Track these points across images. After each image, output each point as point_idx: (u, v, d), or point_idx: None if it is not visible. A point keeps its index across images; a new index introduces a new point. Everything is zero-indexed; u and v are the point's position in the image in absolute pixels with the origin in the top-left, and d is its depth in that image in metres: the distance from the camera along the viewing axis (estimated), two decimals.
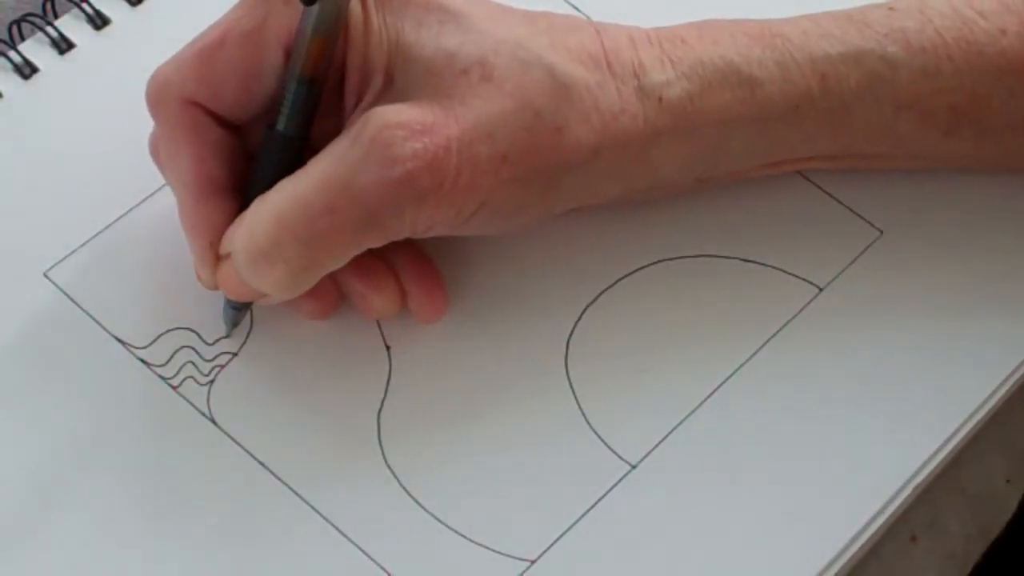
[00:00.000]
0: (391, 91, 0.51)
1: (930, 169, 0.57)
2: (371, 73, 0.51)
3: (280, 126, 0.51)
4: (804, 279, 0.56)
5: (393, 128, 0.49)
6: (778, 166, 0.56)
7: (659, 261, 0.56)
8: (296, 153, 0.51)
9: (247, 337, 0.54)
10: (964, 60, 0.53)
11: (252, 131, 0.53)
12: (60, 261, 0.55)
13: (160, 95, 0.52)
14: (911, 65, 0.53)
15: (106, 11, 0.60)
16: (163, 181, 0.54)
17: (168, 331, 0.54)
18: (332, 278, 0.52)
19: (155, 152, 0.54)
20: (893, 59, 0.53)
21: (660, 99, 0.52)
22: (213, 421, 0.53)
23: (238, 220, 0.51)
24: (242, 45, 0.51)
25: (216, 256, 0.52)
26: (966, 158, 0.56)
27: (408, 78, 0.51)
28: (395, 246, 0.52)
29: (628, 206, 0.56)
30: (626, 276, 0.56)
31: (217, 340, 0.54)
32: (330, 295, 0.53)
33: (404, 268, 0.54)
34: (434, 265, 0.54)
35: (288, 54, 0.51)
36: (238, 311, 0.54)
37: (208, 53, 0.51)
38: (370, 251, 0.51)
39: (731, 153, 0.54)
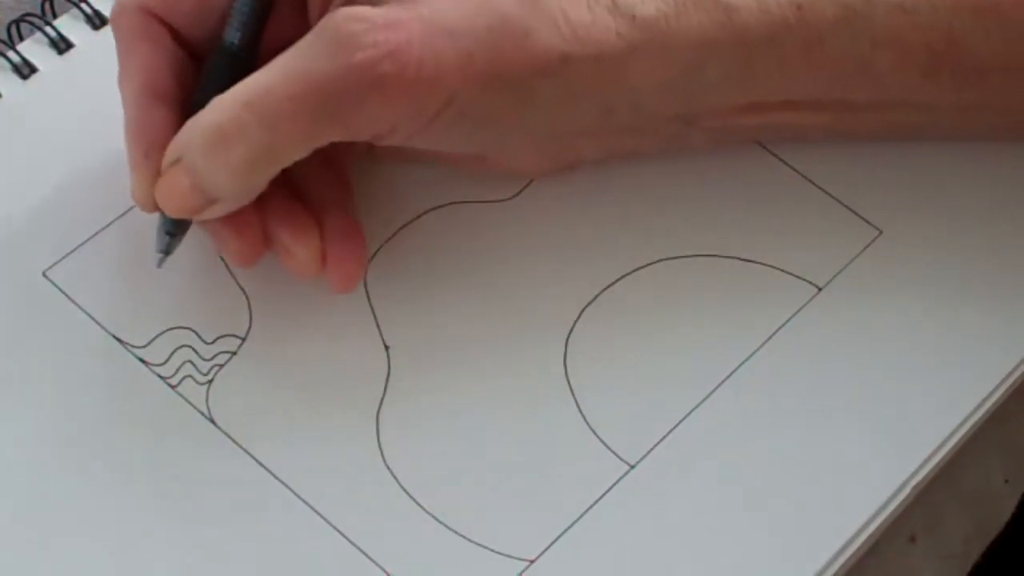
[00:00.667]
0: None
1: (910, 134, 0.57)
2: None
3: (227, 39, 0.52)
4: (803, 279, 0.56)
5: (355, 21, 0.50)
6: (760, 112, 0.56)
7: (658, 261, 0.56)
8: (242, 67, 0.52)
9: (246, 337, 0.54)
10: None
11: (206, 53, 0.54)
12: (59, 261, 0.55)
13: (121, 4, 0.53)
14: (888, 1, 0.53)
15: (105, 11, 0.60)
16: None
17: (167, 330, 0.54)
18: (261, 223, 0.53)
19: (119, 63, 0.54)
20: None
21: (634, 17, 0.52)
22: (212, 421, 0.53)
23: (190, 121, 0.51)
24: None
25: (153, 168, 0.52)
26: (948, 107, 0.56)
27: None
28: (329, 208, 0.53)
29: (613, 153, 0.56)
30: (625, 276, 0.56)
31: (216, 339, 0.54)
32: (256, 238, 0.53)
33: (331, 231, 0.54)
34: (361, 236, 0.54)
35: None
36: (173, 236, 0.53)
37: None
38: (302, 206, 0.52)
39: (708, 82, 0.54)
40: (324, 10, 0.52)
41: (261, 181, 0.51)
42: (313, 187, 0.54)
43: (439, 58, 0.50)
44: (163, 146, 0.52)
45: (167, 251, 0.54)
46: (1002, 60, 0.54)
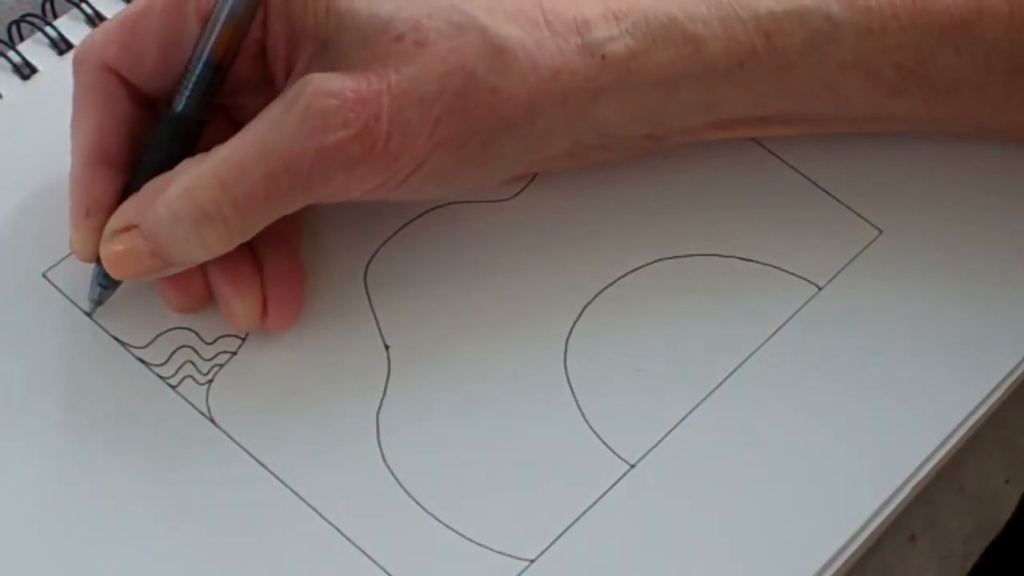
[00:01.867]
0: (326, 57, 0.51)
1: (888, 133, 0.57)
2: (302, 40, 0.52)
3: (178, 106, 0.52)
4: (803, 278, 0.56)
5: (326, 96, 0.50)
6: (730, 128, 0.56)
7: (658, 260, 0.56)
8: (193, 133, 0.52)
9: (246, 337, 0.54)
10: (909, 19, 0.54)
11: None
12: (59, 262, 0.55)
13: (81, 57, 0.53)
14: (856, 24, 0.54)
15: (105, 12, 0.60)
16: None
17: (167, 331, 0.54)
18: (203, 277, 0.53)
19: (72, 115, 0.54)
20: (838, 18, 0.54)
21: (603, 56, 0.52)
22: (212, 421, 0.53)
23: (151, 189, 0.51)
24: (164, 14, 0.52)
25: (92, 227, 0.52)
26: (921, 120, 0.56)
27: (342, 45, 0.51)
28: (273, 249, 0.53)
29: (583, 167, 0.56)
30: (625, 275, 0.56)
31: (216, 339, 0.54)
32: (198, 291, 0.54)
33: (271, 275, 0.54)
34: (301, 274, 0.54)
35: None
36: (106, 289, 0.54)
37: (131, 21, 0.52)
38: (244, 257, 0.53)
39: (677, 109, 0.54)
40: (288, 63, 0.52)
41: (228, 249, 0.52)
42: None
43: (408, 129, 0.50)
44: (105, 207, 0.52)
45: (100, 302, 0.54)
46: (971, 77, 0.54)
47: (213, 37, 0.51)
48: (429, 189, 0.53)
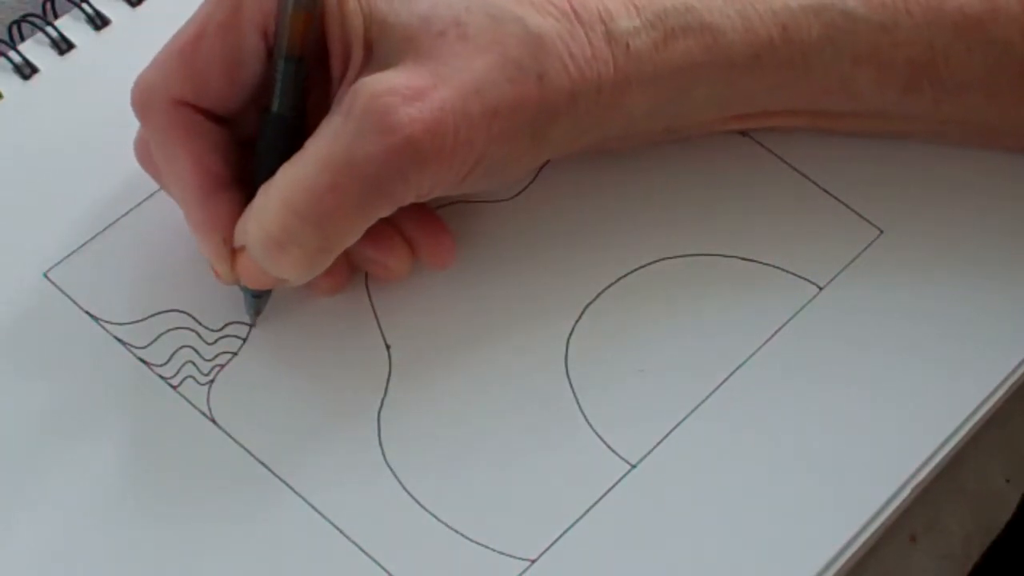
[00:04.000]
0: (373, 62, 0.51)
1: (895, 135, 0.58)
2: (350, 46, 0.51)
3: (275, 108, 0.52)
4: (804, 278, 0.56)
5: (385, 96, 0.50)
6: (743, 120, 0.56)
7: (659, 260, 0.56)
8: (294, 132, 0.52)
9: (247, 337, 0.54)
10: (923, 15, 0.54)
11: (242, 121, 0.53)
12: (60, 262, 0.55)
13: (146, 100, 0.52)
14: (870, 19, 0.54)
15: (106, 11, 0.60)
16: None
17: (168, 331, 0.54)
18: (345, 256, 0.53)
19: (144, 158, 0.54)
20: (853, 12, 0.54)
21: (628, 46, 0.53)
22: (213, 421, 0.53)
23: (248, 211, 0.51)
24: (220, 35, 0.51)
25: (231, 252, 0.52)
26: (929, 119, 0.56)
27: (387, 47, 0.51)
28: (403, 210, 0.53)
29: (603, 154, 0.57)
30: (626, 275, 0.56)
31: (217, 340, 0.54)
32: (342, 269, 0.54)
33: (406, 222, 0.54)
34: (434, 212, 0.55)
35: (267, 37, 0.52)
36: (258, 299, 0.54)
37: (189, 50, 0.52)
38: (379, 224, 0.52)
39: (696, 101, 0.54)
40: (343, 68, 0.52)
41: (325, 266, 0.51)
42: None
43: (470, 121, 0.50)
44: (234, 228, 0.52)
45: (258, 311, 0.54)
46: (982, 77, 0.55)
47: (286, 30, 0.51)
48: (481, 183, 0.53)
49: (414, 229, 0.54)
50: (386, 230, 0.53)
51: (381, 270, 0.54)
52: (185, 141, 0.52)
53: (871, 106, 0.56)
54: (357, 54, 0.51)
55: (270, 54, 0.52)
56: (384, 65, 0.51)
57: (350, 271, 0.54)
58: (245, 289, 0.54)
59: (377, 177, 0.50)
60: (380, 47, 0.51)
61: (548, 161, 0.57)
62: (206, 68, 0.52)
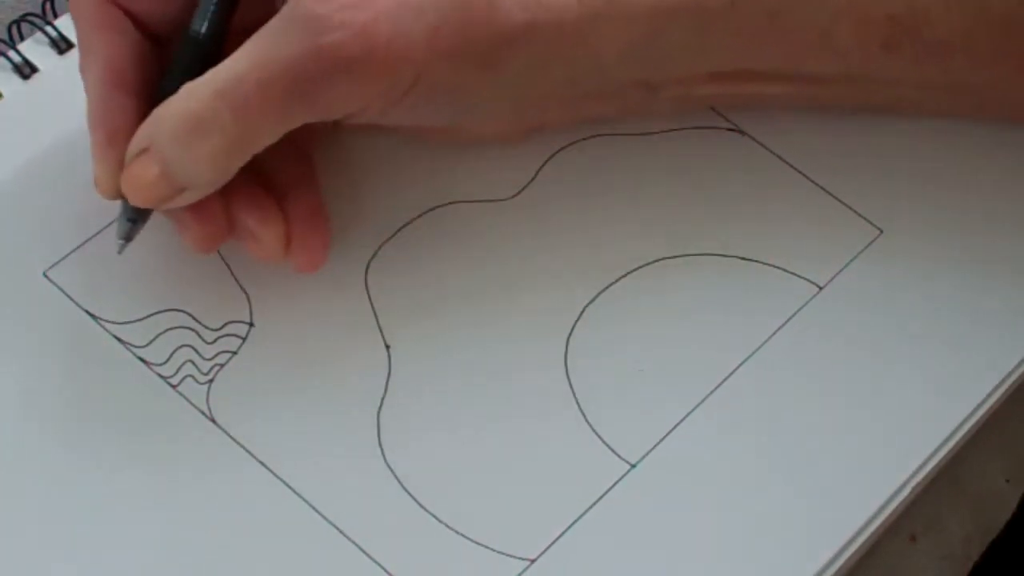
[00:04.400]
0: None
1: (878, 103, 0.58)
2: None
3: (195, 28, 0.52)
4: (803, 277, 0.56)
5: (321, 2, 0.50)
6: (724, 81, 0.56)
7: (658, 260, 0.56)
8: (210, 55, 0.52)
9: (246, 336, 0.54)
10: None
11: (171, 44, 0.54)
12: (60, 261, 0.55)
13: None
14: None
15: None
16: None
17: (167, 330, 0.54)
18: (225, 209, 0.53)
19: (80, 53, 0.54)
20: None
21: None
22: (212, 420, 0.53)
23: (161, 107, 0.51)
24: None
25: (116, 156, 0.52)
26: (912, 83, 0.56)
27: None
28: (293, 188, 0.53)
29: (580, 119, 0.57)
30: (625, 275, 0.56)
31: (217, 339, 0.54)
32: (220, 224, 0.53)
33: (295, 212, 0.54)
34: (325, 216, 0.54)
35: None
36: (134, 223, 0.53)
37: None
38: (264, 189, 0.52)
39: (670, 47, 0.54)
40: None
41: (234, 168, 0.51)
42: (276, 167, 0.54)
43: (407, 35, 0.50)
44: (127, 134, 0.52)
45: (129, 238, 0.53)
46: (962, 34, 0.54)
47: None
48: (429, 107, 0.52)
49: (297, 214, 0.54)
50: (270, 205, 0.53)
51: (253, 243, 0.54)
52: (104, 36, 0.53)
53: (852, 66, 0.55)
54: None
55: None
56: None
57: (225, 230, 0.53)
58: (123, 210, 0.53)
59: (303, 76, 0.50)
60: None
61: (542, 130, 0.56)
62: None
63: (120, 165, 0.52)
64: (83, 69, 0.53)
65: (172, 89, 0.51)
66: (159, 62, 0.54)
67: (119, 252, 0.54)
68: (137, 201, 0.52)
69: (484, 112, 0.55)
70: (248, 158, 0.51)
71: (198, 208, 0.53)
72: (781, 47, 0.55)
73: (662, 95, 0.56)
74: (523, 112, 0.56)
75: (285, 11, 0.50)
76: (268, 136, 0.51)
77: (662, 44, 0.54)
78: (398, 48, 0.50)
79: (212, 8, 0.52)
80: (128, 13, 0.53)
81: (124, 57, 0.53)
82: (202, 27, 0.52)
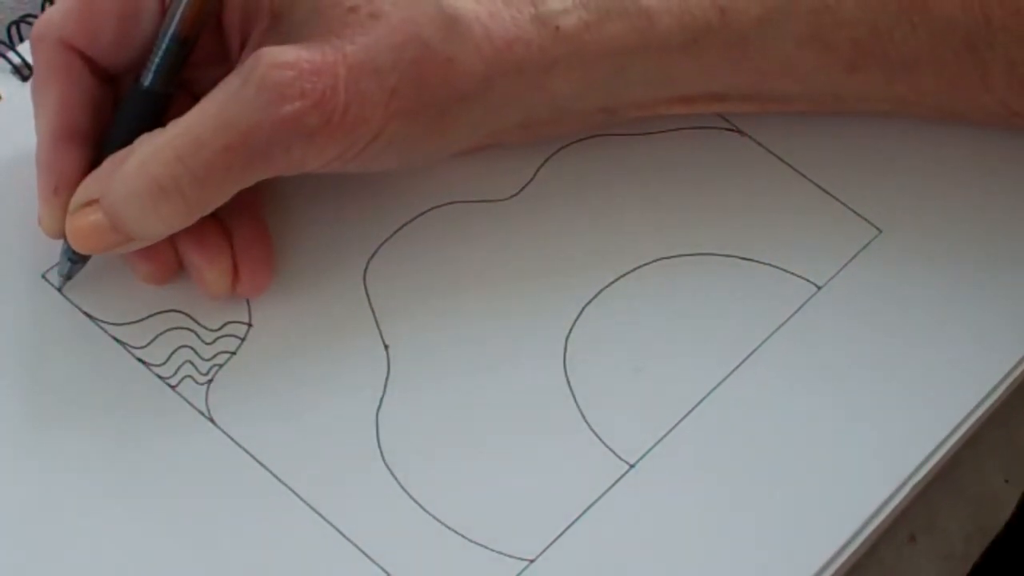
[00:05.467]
0: (279, 30, 0.52)
1: (853, 113, 0.58)
2: (256, 12, 0.52)
3: (146, 81, 0.52)
4: (802, 277, 0.56)
5: (282, 68, 0.50)
6: (688, 104, 0.56)
7: (657, 260, 0.56)
8: (160, 108, 0.52)
9: (245, 336, 0.54)
10: None
11: (124, 85, 0.54)
12: (58, 262, 0.55)
13: (40, 33, 0.53)
14: (811, 0, 0.54)
15: None
16: None
17: (166, 331, 0.54)
18: (174, 245, 0.53)
19: (32, 95, 0.54)
20: None
21: (557, 28, 0.52)
22: (212, 420, 0.53)
23: (111, 164, 0.51)
24: None
25: (60, 202, 0.52)
26: (882, 99, 0.56)
27: (296, 17, 0.52)
28: (239, 218, 0.53)
29: (535, 139, 0.57)
30: (625, 275, 0.56)
31: (216, 339, 0.54)
32: (169, 262, 0.54)
33: (240, 243, 0.54)
34: (269, 240, 0.55)
35: (164, 1, 0.52)
36: (74, 264, 0.54)
37: None
38: (213, 226, 0.53)
39: (630, 83, 0.54)
40: (243, 35, 0.52)
41: (189, 222, 0.52)
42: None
43: (364, 100, 0.51)
44: (73, 184, 0.52)
45: (69, 276, 0.54)
46: (928, 54, 0.54)
47: (180, 11, 0.52)
48: (387, 159, 0.53)
49: (243, 249, 0.54)
50: (218, 243, 0.54)
51: (200, 279, 0.54)
52: (59, 82, 0.53)
53: (819, 88, 0.56)
54: (263, 20, 0.52)
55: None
56: (291, 34, 0.51)
57: (175, 266, 0.54)
58: (65, 252, 0.54)
59: (264, 145, 0.50)
60: (289, 15, 0.52)
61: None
62: (101, 17, 0.52)
63: (65, 210, 0.52)
64: (36, 114, 0.54)
65: (120, 140, 0.52)
66: (110, 107, 0.54)
67: (59, 288, 0.54)
68: (80, 248, 0.53)
69: (439, 153, 0.55)
70: (204, 213, 0.52)
71: (146, 250, 0.53)
72: (745, 75, 0.55)
73: (623, 116, 0.56)
74: (478, 144, 0.56)
75: (246, 71, 0.50)
76: (225, 195, 0.51)
77: (622, 80, 0.54)
78: (356, 114, 0.51)
79: (162, 61, 0.52)
80: (84, 57, 0.53)
81: (76, 107, 0.53)
82: (151, 80, 0.52)
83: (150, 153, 0.51)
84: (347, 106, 0.50)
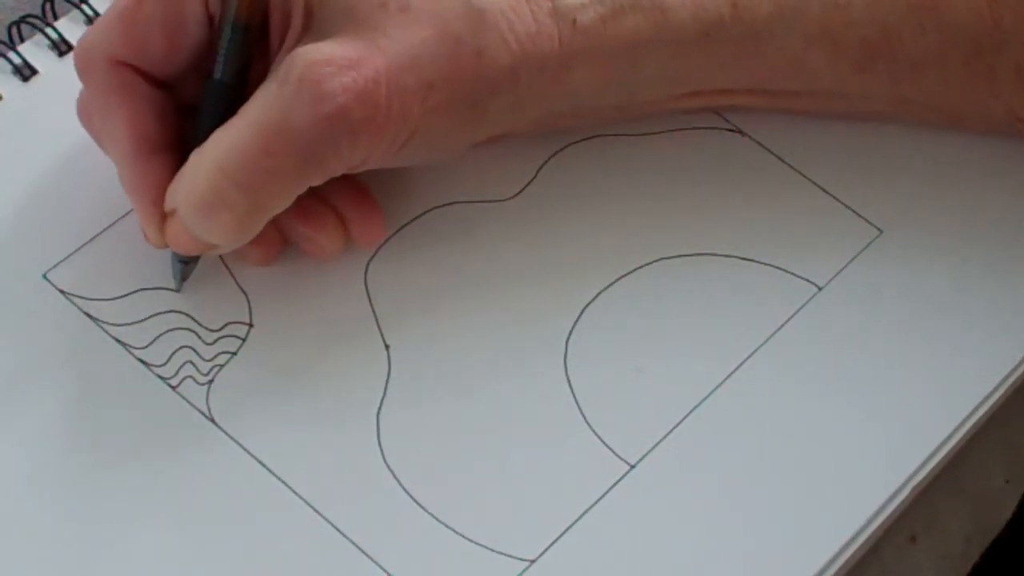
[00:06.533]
0: (312, 31, 0.51)
1: (859, 115, 0.58)
2: (291, 13, 0.52)
3: (218, 74, 0.52)
4: (803, 278, 0.56)
5: (320, 65, 0.50)
6: (696, 98, 0.57)
7: (658, 260, 0.56)
8: (235, 100, 0.52)
9: (246, 337, 0.54)
10: None
11: (182, 86, 0.54)
12: (60, 263, 0.55)
13: (87, 59, 0.53)
14: None
15: None
16: None
17: (167, 331, 0.54)
18: (275, 224, 0.53)
19: (85, 119, 0.54)
20: None
21: (574, 21, 0.53)
22: (212, 421, 0.53)
23: (179, 175, 0.52)
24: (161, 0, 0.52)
25: (161, 214, 0.52)
26: (887, 99, 0.56)
27: (327, 16, 0.51)
28: (329, 180, 0.53)
29: (550, 131, 0.57)
30: (625, 275, 0.56)
31: (216, 340, 0.54)
32: (274, 241, 0.54)
33: (340, 200, 0.54)
34: (368, 190, 0.55)
35: (207, 3, 0.52)
36: (186, 264, 0.54)
37: (130, 12, 0.52)
38: (307, 196, 0.52)
39: (644, 78, 0.55)
40: (283, 35, 0.52)
41: (255, 231, 0.52)
42: None
43: (404, 93, 0.51)
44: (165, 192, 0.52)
45: (184, 277, 0.54)
46: (936, 56, 0.55)
47: (234, 0, 0.52)
48: (421, 155, 0.53)
49: (347, 205, 0.54)
50: (319, 207, 0.54)
51: (313, 247, 0.54)
52: (122, 101, 0.52)
53: (826, 85, 0.56)
54: (297, 21, 0.52)
55: (211, 20, 0.52)
56: (323, 34, 0.51)
57: (281, 244, 0.55)
58: (173, 255, 0.54)
59: (309, 145, 0.50)
60: (321, 15, 0.51)
61: (492, 138, 0.56)
62: (146, 30, 0.52)
63: (164, 220, 0.52)
64: (105, 138, 0.53)
65: (204, 139, 0.51)
66: (177, 110, 0.53)
67: (178, 290, 0.55)
68: (182, 251, 0.53)
69: (459, 151, 0.55)
70: (267, 220, 0.51)
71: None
72: (755, 71, 0.55)
73: (636, 112, 0.57)
74: (489, 138, 0.56)
75: (282, 73, 0.50)
76: (281, 201, 0.51)
77: (637, 76, 0.54)
78: (397, 109, 0.51)
79: (231, 52, 0.52)
80: (138, 71, 0.53)
81: (146, 118, 0.52)
82: (223, 73, 0.52)
83: (194, 168, 0.51)
84: (390, 99, 0.50)
